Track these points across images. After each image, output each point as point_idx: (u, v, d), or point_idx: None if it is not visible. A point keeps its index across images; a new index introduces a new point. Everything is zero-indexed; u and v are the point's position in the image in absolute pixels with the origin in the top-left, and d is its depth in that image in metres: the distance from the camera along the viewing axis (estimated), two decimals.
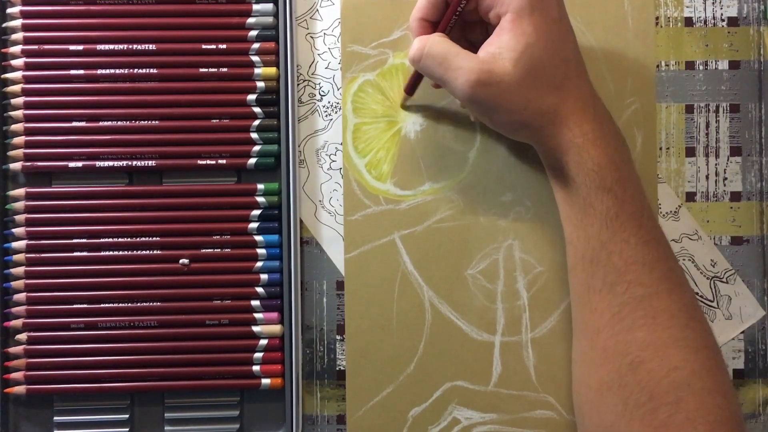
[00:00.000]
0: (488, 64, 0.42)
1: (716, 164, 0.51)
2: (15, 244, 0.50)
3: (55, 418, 0.50)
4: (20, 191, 0.50)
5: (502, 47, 0.42)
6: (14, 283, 0.49)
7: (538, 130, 0.43)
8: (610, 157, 0.42)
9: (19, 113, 0.50)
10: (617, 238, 0.42)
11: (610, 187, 0.42)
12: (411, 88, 0.49)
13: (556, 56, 0.42)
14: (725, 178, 0.51)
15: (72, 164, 0.50)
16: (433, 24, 0.45)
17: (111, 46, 0.50)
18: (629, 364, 0.40)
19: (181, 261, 0.49)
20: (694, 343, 0.40)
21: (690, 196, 0.51)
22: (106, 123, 0.50)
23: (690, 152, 0.51)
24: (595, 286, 0.42)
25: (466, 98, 0.43)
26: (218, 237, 0.50)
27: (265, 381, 0.49)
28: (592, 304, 0.42)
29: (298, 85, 0.51)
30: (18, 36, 0.50)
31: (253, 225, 0.50)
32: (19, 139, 0.50)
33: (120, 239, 0.50)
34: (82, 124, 0.50)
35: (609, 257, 0.42)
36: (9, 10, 0.50)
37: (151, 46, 0.50)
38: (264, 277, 0.50)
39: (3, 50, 0.50)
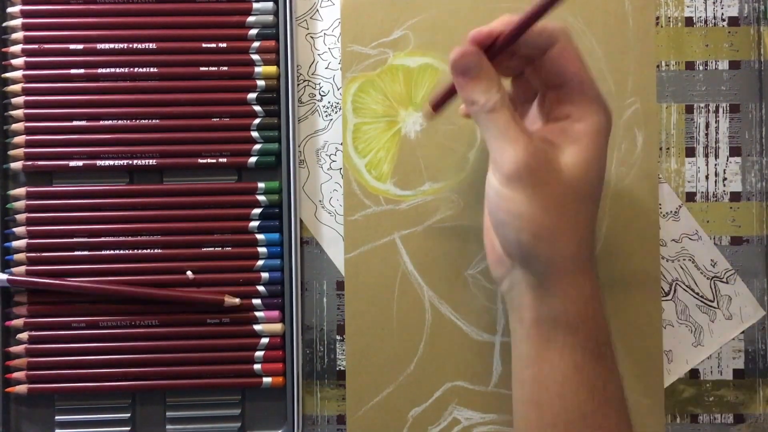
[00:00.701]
0: (544, 153, 0.36)
1: (716, 164, 0.51)
2: (16, 243, 0.50)
3: (56, 417, 0.50)
4: (21, 190, 0.50)
5: (563, 150, 0.37)
6: None
7: (558, 255, 0.37)
8: (603, 314, 0.38)
9: (19, 112, 0.50)
10: (600, 413, 0.37)
11: (604, 353, 0.38)
12: (439, 106, 0.42)
13: (597, 189, 0.38)
14: (725, 179, 0.51)
15: (72, 163, 0.50)
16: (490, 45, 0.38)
17: (111, 45, 0.50)
18: None
19: (187, 273, 0.49)
20: None
21: (690, 197, 0.51)
22: (106, 122, 0.50)
23: (690, 152, 0.51)
24: None
25: (511, 175, 0.36)
26: (219, 235, 0.50)
27: (267, 380, 0.50)
28: None
29: (298, 85, 0.51)
30: (18, 35, 0.50)
31: (254, 223, 0.50)
32: (20, 139, 0.50)
33: (121, 238, 0.50)
34: (83, 123, 0.50)
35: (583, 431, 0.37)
36: (9, 10, 0.50)
37: (151, 45, 0.50)
38: (265, 275, 0.50)
39: (3, 49, 0.50)
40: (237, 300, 0.49)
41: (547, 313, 0.38)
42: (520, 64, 0.40)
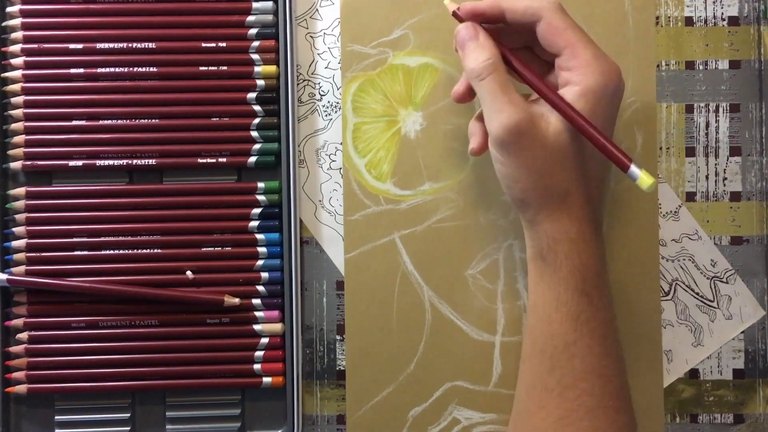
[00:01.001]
0: (534, 118, 0.40)
1: (716, 164, 0.51)
2: (15, 243, 0.50)
3: (56, 417, 0.50)
4: (20, 190, 0.50)
5: (554, 112, 0.41)
6: None
7: (539, 204, 0.42)
8: (596, 261, 0.42)
9: (19, 112, 0.50)
10: (582, 342, 0.41)
11: (589, 290, 0.41)
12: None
13: (590, 148, 0.41)
14: (725, 178, 0.51)
15: (72, 163, 0.50)
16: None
17: (111, 45, 0.50)
18: None
19: (187, 272, 0.49)
20: None
21: (690, 196, 0.51)
22: (106, 122, 0.50)
23: (690, 152, 0.51)
24: (549, 384, 0.41)
25: (496, 135, 0.40)
26: (219, 235, 0.50)
27: (267, 379, 0.49)
28: (542, 400, 0.42)
29: (297, 84, 0.51)
30: (18, 35, 0.50)
31: (254, 223, 0.50)
32: (20, 138, 0.50)
33: (120, 238, 0.50)
34: (82, 122, 0.50)
35: (570, 360, 0.41)
36: (9, 9, 0.50)
37: (150, 44, 0.50)
38: (265, 275, 0.50)
39: (3, 49, 0.50)
40: (236, 300, 0.49)
41: (538, 250, 0.43)
42: (521, 39, 0.44)
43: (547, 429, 0.41)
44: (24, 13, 0.50)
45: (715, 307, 0.51)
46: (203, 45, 0.50)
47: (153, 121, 0.50)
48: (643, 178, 0.38)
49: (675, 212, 0.51)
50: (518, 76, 0.43)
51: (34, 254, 0.49)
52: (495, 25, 0.43)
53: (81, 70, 0.50)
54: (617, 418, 0.41)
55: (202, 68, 0.50)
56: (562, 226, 0.41)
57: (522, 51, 0.45)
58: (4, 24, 0.50)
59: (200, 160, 0.50)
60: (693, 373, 0.51)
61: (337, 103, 0.51)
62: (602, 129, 0.40)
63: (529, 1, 0.41)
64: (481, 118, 0.44)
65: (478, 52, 0.42)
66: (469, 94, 0.45)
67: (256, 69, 0.50)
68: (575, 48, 0.40)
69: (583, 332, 0.41)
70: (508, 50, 0.42)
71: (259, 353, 0.50)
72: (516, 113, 0.40)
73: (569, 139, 0.40)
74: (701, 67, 0.51)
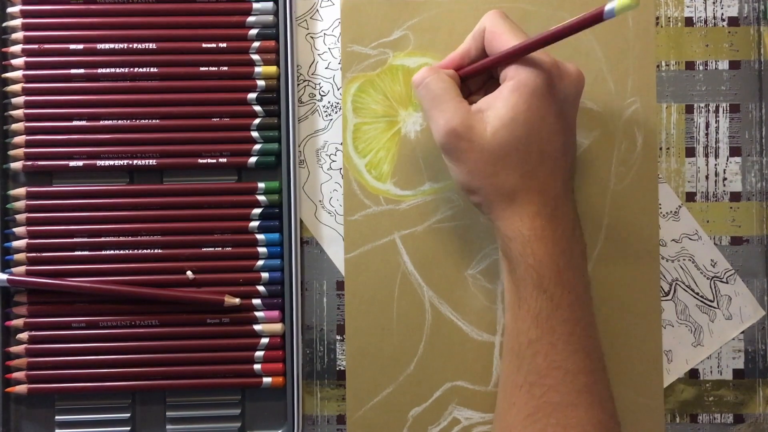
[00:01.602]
0: (471, 120, 0.42)
1: (716, 164, 0.51)
2: (16, 244, 0.50)
3: (56, 417, 0.50)
4: (21, 190, 0.50)
5: (490, 111, 0.42)
6: None
7: (490, 204, 0.43)
8: (554, 258, 0.41)
9: (19, 112, 0.50)
10: (545, 340, 0.41)
11: (546, 287, 0.41)
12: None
13: (535, 144, 0.41)
14: (725, 179, 0.51)
15: (72, 163, 0.50)
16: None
17: (111, 45, 0.50)
18: None
19: (187, 273, 0.50)
20: None
21: (690, 196, 0.51)
22: (106, 122, 0.50)
23: (690, 152, 0.51)
24: (517, 382, 0.42)
25: (438, 141, 0.43)
26: (219, 235, 0.50)
27: (267, 380, 0.50)
28: (512, 398, 0.42)
29: (298, 85, 0.51)
30: (18, 35, 0.50)
31: (254, 223, 0.50)
32: (20, 139, 0.50)
33: (121, 238, 0.50)
34: (83, 123, 0.50)
35: (533, 357, 0.41)
36: (9, 10, 0.50)
37: (151, 45, 0.50)
38: (265, 275, 0.50)
39: (3, 49, 0.50)
40: (237, 300, 0.49)
41: (501, 248, 0.44)
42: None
43: (517, 426, 0.41)
44: (24, 14, 0.50)
45: (715, 307, 0.51)
46: (204, 45, 0.50)
47: (153, 121, 0.50)
48: (619, 2, 0.36)
49: (675, 212, 0.51)
50: (477, 74, 0.45)
51: (34, 254, 0.49)
52: None
53: (81, 71, 0.50)
54: (589, 414, 0.41)
55: (202, 69, 0.50)
56: (513, 224, 0.42)
57: None
58: (4, 24, 0.50)
59: (200, 161, 0.50)
60: (693, 373, 0.51)
61: (338, 103, 0.51)
62: (542, 125, 0.41)
63: (474, 29, 0.44)
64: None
65: (420, 70, 0.45)
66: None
67: (257, 69, 0.50)
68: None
69: (544, 330, 0.41)
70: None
71: (259, 353, 0.50)
72: (452, 118, 0.42)
73: (507, 136, 0.41)
74: (701, 67, 0.51)
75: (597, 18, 0.38)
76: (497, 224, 0.43)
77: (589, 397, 0.41)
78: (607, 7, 0.37)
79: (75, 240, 0.50)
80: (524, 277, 0.41)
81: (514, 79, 0.41)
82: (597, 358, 0.43)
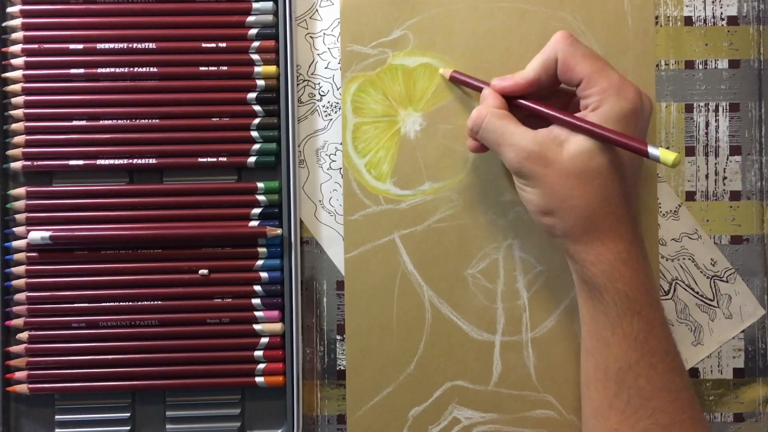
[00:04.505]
0: (543, 146, 0.42)
1: (716, 163, 0.51)
2: (15, 243, 0.50)
3: (56, 416, 0.50)
4: (21, 190, 0.50)
5: (569, 137, 0.42)
6: (15, 282, 0.50)
7: (568, 228, 0.42)
8: (642, 280, 0.41)
9: (19, 112, 0.50)
10: (645, 362, 0.41)
11: (640, 310, 0.41)
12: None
13: (617, 169, 0.41)
14: (725, 178, 0.51)
15: (72, 163, 0.50)
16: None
17: (111, 45, 0.50)
18: None
19: (200, 272, 0.50)
20: None
21: (690, 195, 0.51)
22: (106, 122, 0.50)
23: (690, 151, 0.51)
24: (618, 406, 0.41)
25: (513, 170, 0.43)
26: (218, 234, 0.50)
27: (267, 379, 0.50)
28: (612, 423, 0.42)
29: (297, 85, 0.51)
30: (18, 35, 0.50)
31: (254, 223, 0.50)
32: (20, 138, 0.50)
33: (121, 237, 0.50)
34: (83, 122, 0.50)
35: (636, 380, 0.41)
36: (9, 9, 0.50)
37: (151, 44, 0.50)
38: (264, 275, 0.50)
39: (3, 49, 0.50)
40: (279, 230, 0.49)
41: (579, 275, 0.43)
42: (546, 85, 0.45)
43: None
44: (24, 14, 0.50)
45: (715, 306, 0.51)
46: (203, 45, 0.50)
47: (153, 121, 0.50)
48: (664, 154, 0.38)
49: (675, 211, 0.51)
50: (532, 113, 0.45)
51: (34, 254, 0.49)
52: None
53: (81, 71, 0.50)
54: (694, 430, 0.41)
55: (202, 68, 0.50)
56: (594, 248, 0.42)
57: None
58: (4, 24, 0.50)
59: (200, 160, 0.50)
60: (693, 373, 0.51)
61: (337, 103, 0.51)
62: (624, 152, 0.41)
63: (541, 55, 0.44)
64: None
65: (471, 115, 0.45)
66: (482, 146, 0.46)
67: (256, 69, 0.50)
68: (591, 77, 0.42)
69: (644, 352, 0.41)
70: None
71: (259, 353, 0.50)
72: (523, 148, 0.42)
73: (587, 161, 0.41)
74: (701, 66, 0.51)
75: (642, 152, 0.40)
76: (575, 248, 0.42)
77: (691, 412, 0.42)
78: (651, 150, 0.39)
79: (75, 240, 0.50)
80: (616, 302, 0.41)
81: (600, 110, 0.41)
82: (687, 374, 0.43)
